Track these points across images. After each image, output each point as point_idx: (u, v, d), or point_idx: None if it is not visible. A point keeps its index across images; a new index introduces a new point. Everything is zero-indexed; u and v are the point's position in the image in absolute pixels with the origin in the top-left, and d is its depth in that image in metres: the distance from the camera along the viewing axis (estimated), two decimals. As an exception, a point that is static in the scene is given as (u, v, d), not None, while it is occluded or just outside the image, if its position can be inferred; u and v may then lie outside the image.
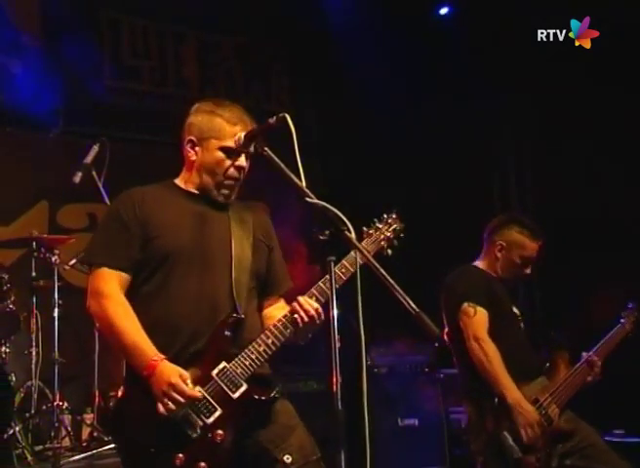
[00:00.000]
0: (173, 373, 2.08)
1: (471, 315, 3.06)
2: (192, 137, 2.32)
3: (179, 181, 2.39)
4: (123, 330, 2.16)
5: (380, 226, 2.42)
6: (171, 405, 2.07)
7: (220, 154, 2.28)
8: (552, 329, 3.63)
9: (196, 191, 2.35)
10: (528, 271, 3.26)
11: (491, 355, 2.98)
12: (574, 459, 3.03)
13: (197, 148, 2.31)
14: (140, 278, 2.25)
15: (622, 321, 3.36)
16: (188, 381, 2.10)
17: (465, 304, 3.09)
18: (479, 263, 3.34)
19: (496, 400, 2.96)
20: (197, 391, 2.11)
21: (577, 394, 3.13)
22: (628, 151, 4.75)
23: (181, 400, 2.07)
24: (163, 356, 2.12)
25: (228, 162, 2.28)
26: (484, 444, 3.01)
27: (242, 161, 2.28)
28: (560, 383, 3.11)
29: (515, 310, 3.27)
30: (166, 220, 2.26)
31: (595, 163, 4.88)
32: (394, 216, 2.47)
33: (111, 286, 2.20)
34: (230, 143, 2.26)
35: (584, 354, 3.21)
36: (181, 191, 2.35)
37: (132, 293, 2.25)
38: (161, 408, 2.07)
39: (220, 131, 2.28)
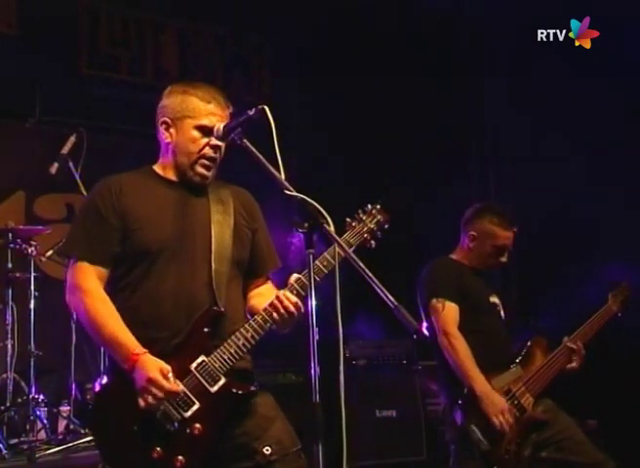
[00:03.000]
0: (152, 368, 2.07)
1: (440, 310, 3.09)
2: (166, 119, 2.29)
3: (157, 168, 2.35)
4: (104, 324, 2.14)
5: (364, 218, 2.36)
6: (150, 399, 2.06)
7: (195, 133, 2.24)
8: (531, 316, 3.60)
9: (174, 178, 2.31)
10: (504, 260, 3.27)
11: (459, 350, 3.01)
12: (549, 451, 3.05)
13: (172, 130, 2.28)
14: (120, 271, 2.23)
15: (609, 301, 3.26)
16: (170, 375, 2.08)
17: (434, 300, 3.11)
18: (454, 255, 3.34)
19: (465, 391, 2.99)
20: (177, 385, 2.09)
21: (555, 381, 3.10)
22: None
23: (160, 395, 2.06)
24: (144, 350, 2.10)
25: (204, 141, 2.24)
26: (455, 434, 3.06)
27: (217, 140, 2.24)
28: (535, 372, 3.11)
29: (493, 300, 3.27)
30: (145, 212, 2.23)
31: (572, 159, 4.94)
32: (378, 207, 2.39)
33: (91, 281, 2.18)
34: (205, 122, 2.23)
35: (566, 339, 3.18)
36: (160, 178, 2.32)
37: (112, 287, 2.23)
38: (141, 402, 2.06)
39: (194, 109, 2.25)
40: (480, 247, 3.24)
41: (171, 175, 2.32)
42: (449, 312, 3.09)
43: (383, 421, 4.60)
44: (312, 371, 1.85)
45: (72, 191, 4.39)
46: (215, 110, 2.26)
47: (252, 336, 2.17)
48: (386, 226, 2.39)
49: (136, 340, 2.12)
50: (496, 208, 3.35)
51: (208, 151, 2.25)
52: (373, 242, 2.34)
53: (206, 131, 2.23)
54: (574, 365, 3.15)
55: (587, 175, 4.81)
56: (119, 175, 2.32)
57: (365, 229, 2.34)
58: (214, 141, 2.24)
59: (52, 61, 5.25)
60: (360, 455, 4.28)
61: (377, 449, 4.48)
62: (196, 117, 2.24)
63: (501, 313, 3.29)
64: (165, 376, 2.07)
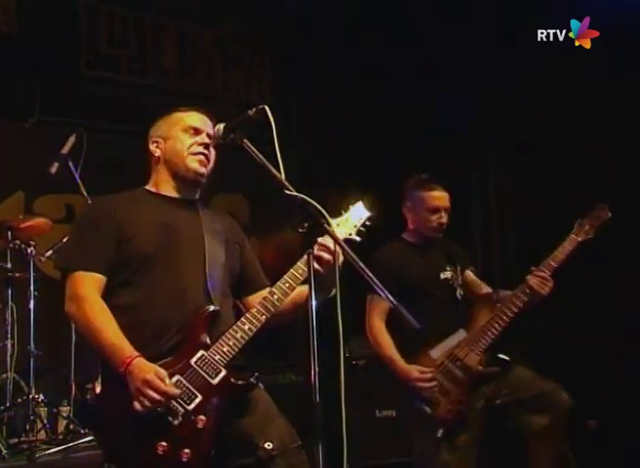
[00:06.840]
0: (148, 370, 2.09)
1: (368, 304, 3.25)
2: (156, 138, 2.44)
3: (149, 187, 2.46)
4: (99, 329, 2.17)
5: (347, 216, 2.43)
6: (146, 402, 2.07)
7: (183, 134, 2.39)
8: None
9: (168, 192, 2.41)
10: (443, 220, 3.34)
11: (379, 341, 3.19)
12: (501, 397, 3.15)
13: (161, 144, 2.42)
14: (118, 280, 2.27)
15: (575, 229, 3.21)
16: (166, 379, 2.10)
17: (369, 295, 3.26)
18: (405, 234, 3.45)
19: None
20: (173, 388, 2.11)
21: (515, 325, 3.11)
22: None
23: (156, 397, 2.07)
24: (138, 353, 2.13)
25: (191, 140, 2.38)
26: (404, 410, 3.26)
27: (204, 137, 2.37)
28: (479, 330, 3.16)
29: (445, 275, 3.32)
30: (139, 222, 2.31)
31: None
32: (360, 206, 2.47)
33: (88, 289, 2.22)
34: (190, 122, 2.39)
35: (528, 276, 3.14)
36: (152, 195, 2.43)
37: (110, 295, 2.27)
38: (137, 405, 2.08)
39: (179, 119, 2.42)
40: (417, 215, 3.37)
41: (164, 190, 2.42)
42: (372, 304, 3.23)
43: (383, 421, 4.60)
44: (312, 371, 1.86)
45: (72, 191, 4.39)
46: (197, 116, 2.43)
47: (249, 329, 2.22)
48: (368, 222, 2.45)
49: (131, 346, 2.14)
50: (422, 175, 3.46)
51: (196, 148, 2.38)
52: (357, 237, 2.42)
53: (193, 131, 2.39)
54: (542, 292, 3.12)
55: (588, 175, 4.81)
56: (110, 195, 2.42)
57: (349, 226, 2.40)
58: (201, 139, 2.37)
59: (52, 61, 5.25)
60: (360, 455, 4.27)
61: (377, 449, 4.48)
62: (181, 122, 2.41)
63: (454, 286, 3.34)
64: (161, 379, 2.08)
